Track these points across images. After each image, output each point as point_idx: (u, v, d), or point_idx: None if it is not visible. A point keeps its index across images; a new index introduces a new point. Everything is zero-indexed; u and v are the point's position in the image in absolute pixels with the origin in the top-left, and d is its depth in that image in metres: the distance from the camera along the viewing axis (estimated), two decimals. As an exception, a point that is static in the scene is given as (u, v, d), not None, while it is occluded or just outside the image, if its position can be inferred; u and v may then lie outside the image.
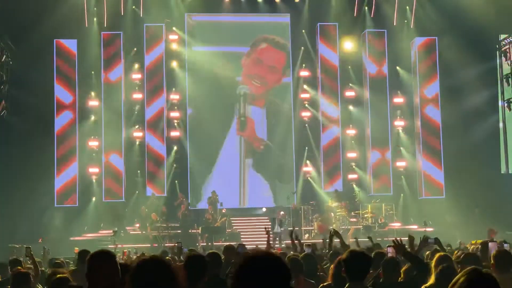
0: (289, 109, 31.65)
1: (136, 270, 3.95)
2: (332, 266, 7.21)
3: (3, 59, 26.65)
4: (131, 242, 24.52)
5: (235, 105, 31.41)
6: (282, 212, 28.44)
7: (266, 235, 12.12)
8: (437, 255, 6.93)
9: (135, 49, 30.50)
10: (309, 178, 30.96)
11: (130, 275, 3.88)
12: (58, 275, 6.80)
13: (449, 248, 12.56)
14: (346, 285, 5.96)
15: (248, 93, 31.37)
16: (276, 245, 22.24)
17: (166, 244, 24.37)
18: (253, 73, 31.67)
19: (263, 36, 32.00)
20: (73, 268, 9.85)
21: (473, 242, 8.93)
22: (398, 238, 7.94)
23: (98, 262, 4.83)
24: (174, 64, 30.90)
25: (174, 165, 30.31)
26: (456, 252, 9.30)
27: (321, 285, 7.07)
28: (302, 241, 12.49)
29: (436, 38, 31.21)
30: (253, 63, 31.74)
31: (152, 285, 3.90)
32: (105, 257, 4.89)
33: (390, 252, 8.46)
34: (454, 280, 3.57)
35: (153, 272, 3.93)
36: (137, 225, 28.31)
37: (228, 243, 13.36)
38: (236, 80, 31.47)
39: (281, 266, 3.20)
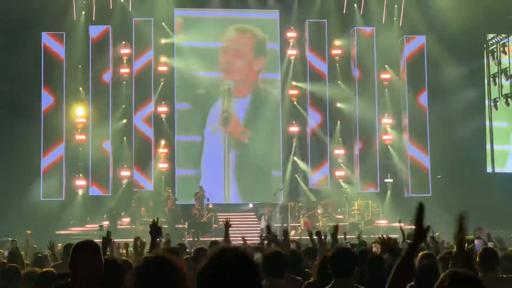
0: (276, 102, 31.67)
1: (141, 269, 3.65)
2: (316, 263, 7.21)
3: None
4: (119, 236, 24.45)
5: (219, 100, 31.35)
6: (268, 208, 28.44)
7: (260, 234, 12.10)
8: (421, 253, 6.96)
9: (123, 42, 30.41)
10: (296, 175, 30.98)
11: (134, 274, 3.61)
12: (43, 270, 6.76)
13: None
14: (332, 282, 5.98)
15: (232, 88, 31.30)
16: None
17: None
18: (229, 66, 31.61)
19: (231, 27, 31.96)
20: (59, 262, 9.83)
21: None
22: (384, 236, 7.97)
23: (82, 253, 4.80)
24: (163, 59, 30.83)
25: (161, 159, 30.27)
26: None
27: (306, 282, 7.07)
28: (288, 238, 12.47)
29: (424, 36, 31.28)
30: (225, 55, 31.68)
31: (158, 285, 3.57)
32: (89, 248, 4.87)
33: (376, 249, 8.49)
34: (438, 282, 3.59)
35: (160, 272, 3.60)
36: (127, 219, 28.27)
37: (214, 239, 13.38)
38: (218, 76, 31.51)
39: (249, 262, 3.11)
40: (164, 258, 3.65)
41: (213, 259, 3.10)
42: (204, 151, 30.99)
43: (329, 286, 5.99)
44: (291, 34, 31.62)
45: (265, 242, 9.65)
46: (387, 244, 6.54)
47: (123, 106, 30.18)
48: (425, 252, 7.08)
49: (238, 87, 31.42)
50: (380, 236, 8.08)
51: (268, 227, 9.70)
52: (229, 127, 31.25)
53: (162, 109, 30.50)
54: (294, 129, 31.22)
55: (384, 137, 31.19)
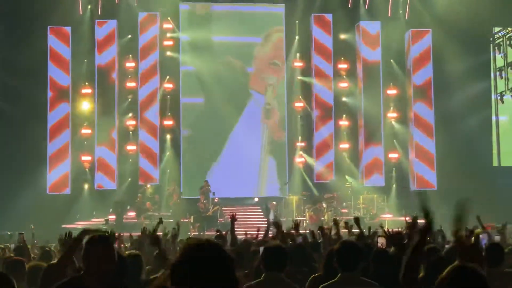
0: (282, 97, 31.71)
1: (184, 255, 3.10)
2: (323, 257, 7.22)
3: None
4: (125, 230, 24.47)
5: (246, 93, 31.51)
6: (274, 202, 28.47)
7: (266, 226, 12.16)
8: (426, 247, 6.94)
9: (129, 36, 30.41)
10: (301, 168, 30.97)
11: (175, 260, 3.11)
12: (49, 263, 6.78)
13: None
14: (338, 276, 6.00)
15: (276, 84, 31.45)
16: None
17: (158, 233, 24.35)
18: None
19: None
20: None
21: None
22: (389, 229, 7.97)
23: (95, 246, 4.83)
24: (168, 53, 30.83)
25: (167, 153, 30.30)
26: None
27: (312, 276, 7.09)
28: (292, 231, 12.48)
29: (430, 30, 31.21)
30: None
31: (207, 273, 3.02)
32: (102, 241, 4.90)
33: (381, 242, 8.48)
34: (442, 275, 3.60)
35: (206, 258, 3.07)
36: (132, 213, 28.34)
37: (218, 233, 13.40)
38: (241, 69, 31.45)
39: (223, 256, 3.07)
40: (214, 244, 3.15)
41: (187, 252, 3.07)
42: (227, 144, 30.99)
43: (335, 279, 6.02)
44: (296, 28, 31.60)
45: (270, 235, 9.71)
46: (392, 237, 6.52)
47: (129, 99, 30.19)
48: (430, 246, 7.07)
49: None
50: (385, 229, 8.08)
51: (277, 224, 9.71)
52: (271, 120, 31.31)
53: (168, 103, 30.50)
54: (300, 123, 31.24)
55: (389, 131, 31.14)
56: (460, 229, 4.52)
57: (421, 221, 4.35)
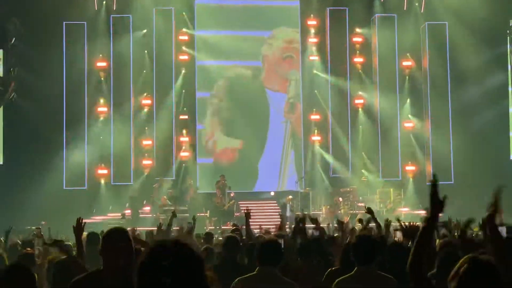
0: (297, 91, 31.70)
1: (149, 255, 3.02)
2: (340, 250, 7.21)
3: (12, 42, 26.67)
4: (141, 225, 24.58)
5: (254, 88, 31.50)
6: (290, 197, 28.47)
7: (280, 219, 12.19)
8: (440, 241, 6.91)
9: (144, 31, 30.44)
10: (318, 162, 30.93)
11: (140, 261, 3.03)
12: (60, 258, 6.82)
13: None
14: (355, 269, 5.99)
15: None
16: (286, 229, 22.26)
17: (174, 228, 24.42)
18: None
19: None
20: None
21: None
22: (404, 223, 7.95)
23: (114, 240, 4.83)
24: (184, 48, 30.86)
25: (183, 147, 30.34)
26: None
27: (330, 269, 7.10)
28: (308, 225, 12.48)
29: (446, 23, 31.04)
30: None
31: (168, 276, 2.95)
32: (120, 235, 4.89)
33: (398, 236, 8.47)
34: (455, 268, 3.57)
35: (172, 259, 2.98)
36: (148, 208, 28.42)
37: (235, 227, 13.42)
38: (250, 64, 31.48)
39: (190, 256, 2.98)
40: (177, 241, 3.07)
41: (152, 252, 3.00)
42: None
43: (352, 273, 6.01)
44: (312, 22, 31.52)
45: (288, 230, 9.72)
46: (409, 231, 6.52)
47: (144, 94, 30.25)
48: (445, 240, 7.03)
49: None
50: (402, 223, 8.06)
51: (297, 219, 9.70)
52: (294, 115, 31.41)
53: (184, 98, 30.59)
54: (315, 117, 31.16)
55: (406, 124, 31.03)
56: (495, 214, 4.46)
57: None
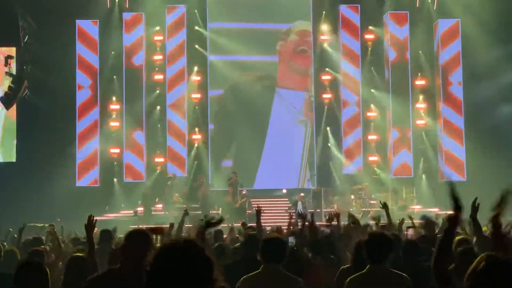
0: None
1: (158, 256, 3.01)
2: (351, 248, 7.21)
3: (25, 40, 26.75)
4: (153, 222, 24.63)
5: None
6: (302, 194, 28.44)
7: (289, 218, 12.21)
8: (456, 238, 6.89)
9: (157, 27, 30.48)
10: (329, 160, 30.87)
11: (150, 262, 3.02)
12: (75, 254, 6.88)
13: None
14: (367, 267, 5.97)
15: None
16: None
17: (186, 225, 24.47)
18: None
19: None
20: (96, 247, 9.91)
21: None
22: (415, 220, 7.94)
23: (135, 240, 4.89)
24: (196, 46, 30.86)
25: (195, 145, 30.36)
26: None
27: (342, 268, 7.09)
28: (321, 223, 12.53)
29: (459, 19, 30.90)
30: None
31: (177, 277, 2.93)
32: (141, 235, 4.95)
33: (410, 234, 8.47)
34: (472, 266, 3.55)
35: (181, 260, 2.96)
36: (160, 205, 28.48)
37: (246, 225, 13.44)
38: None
39: (200, 255, 2.99)
40: (188, 242, 3.07)
41: (162, 253, 3.00)
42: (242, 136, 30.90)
43: (364, 271, 5.98)
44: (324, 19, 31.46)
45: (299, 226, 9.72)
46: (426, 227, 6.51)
47: (157, 91, 30.28)
48: (461, 237, 7.01)
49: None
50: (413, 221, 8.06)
51: (303, 215, 9.72)
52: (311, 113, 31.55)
53: (196, 95, 30.58)
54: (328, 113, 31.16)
55: (418, 121, 30.92)
56: (500, 214, 4.46)
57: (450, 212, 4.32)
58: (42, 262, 6.41)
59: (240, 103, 30.78)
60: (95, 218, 6.81)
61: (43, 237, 12.97)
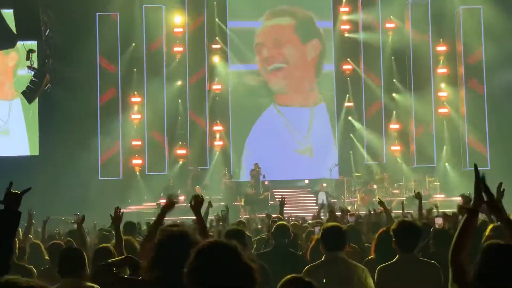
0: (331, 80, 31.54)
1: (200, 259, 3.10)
2: (374, 239, 7.17)
3: (46, 34, 26.82)
4: (176, 215, 24.63)
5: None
6: (324, 184, 28.38)
7: (318, 208, 12.23)
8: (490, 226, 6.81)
9: (177, 16, 30.45)
10: (350, 151, 30.77)
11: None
12: (102, 245, 6.90)
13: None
14: (397, 257, 5.93)
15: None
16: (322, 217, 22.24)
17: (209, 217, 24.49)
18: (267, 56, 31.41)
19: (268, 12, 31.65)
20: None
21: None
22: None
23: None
24: (217, 38, 30.82)
25: (217, 136, 30.36)
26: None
27: (366, 259, 7.07)
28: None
29: (481, 7, 30.61)
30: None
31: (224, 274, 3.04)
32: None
33: (438, 223, 8.41)
34: (479, 255, 3.54)
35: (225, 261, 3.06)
36: (182, 197, 28.52)
37: (270, 216, 13.39)
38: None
39: (237, 257, 3.05)
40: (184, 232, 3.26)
41: (199, 257, 3.05)
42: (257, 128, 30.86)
43: (394, 260, 5.94)
44: (344, 9, 31.27)
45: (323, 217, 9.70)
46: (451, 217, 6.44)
47: (178, 83, 30.29)
48: (493, 224, 6.92)
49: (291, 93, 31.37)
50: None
51: (330, 205, 9.70)
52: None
53: (217, 86, 30.58)
54: (349, 104, 31.00)
55: (440, 110, 30.71)
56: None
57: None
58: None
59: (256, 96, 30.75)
60: (121, 210, 6.83)
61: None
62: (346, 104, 30.98)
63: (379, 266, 6.04)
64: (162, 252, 3.86)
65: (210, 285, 2.99)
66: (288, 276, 3.48)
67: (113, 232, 7.68)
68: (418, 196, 10.05)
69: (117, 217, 6.73)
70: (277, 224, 8.16)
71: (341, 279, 5.91)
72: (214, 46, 30.71)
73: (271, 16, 31.53)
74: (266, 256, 7.36)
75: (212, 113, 30.62)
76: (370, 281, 6.02)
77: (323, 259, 6.20)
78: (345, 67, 31.04)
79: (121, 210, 6.79)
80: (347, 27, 31.15)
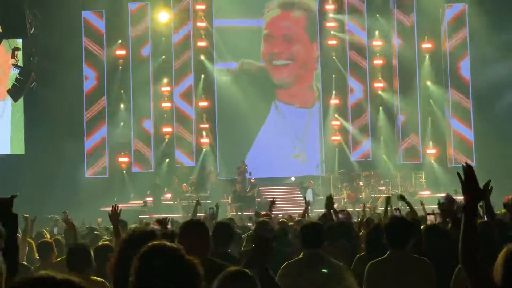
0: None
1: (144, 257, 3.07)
2: (364, 235, 7.19)
3: (32, 31, 26.68)
4: (163, 212, 24.65)
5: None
6: (311, 181, 28.42)
7: (305, 206, 12.28)
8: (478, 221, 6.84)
9: (164, 17, 30.38)
10: (336, 148, 30.81)
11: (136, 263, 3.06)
12: (101, 243, 6.99)
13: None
14: (388, 252, 5.94)
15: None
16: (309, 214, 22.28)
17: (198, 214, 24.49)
18: (272, 51, 31.37)
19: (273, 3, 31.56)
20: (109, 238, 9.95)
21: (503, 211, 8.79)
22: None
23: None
24: (203, 36, 30.75)
25: (204, 133, 30.30)
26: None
27: (357, 256, 7.09)
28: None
29: (466, 4, 30.73)
30: (267, 38, 31.47)
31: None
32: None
33: (430, 220, 8.45)
34: (498, 260, 3.52)
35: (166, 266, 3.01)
36: (169, 195, 28.50)
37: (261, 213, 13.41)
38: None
39: (185, 262, 3.02)
40: (169, 248, 3.10)
41: (145, 259, 3.03)
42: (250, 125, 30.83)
43: (385, 256, 5.95)
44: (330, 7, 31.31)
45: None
46: (446, 212, 6.47)
47: (165, 80, 30.24)
48: (481, 220, 6.97)
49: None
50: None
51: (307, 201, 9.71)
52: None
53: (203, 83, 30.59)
54: (335, 101, 31.05)
55: (426, 108, 30.81)
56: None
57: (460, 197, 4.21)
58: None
59: (246, 89, 30.67)
60: (119, 206, 6.86)
61: (55, 228, 12.98)
62: (332, 101, 31.01)
63: (369, 262, 6.05)
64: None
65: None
66: (232, 268, 3.44)
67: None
68: (402, 198, 10.14)
69: (114, 215, 6.74)
70: (259, 220, 8.20)
71: (320, 276, 5.92)
72: (199, 44, 30.63)
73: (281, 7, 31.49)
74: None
75: (198, 110, 30.55)
76: (351, 279, 6.04)
77: (301, 256, 6.23)
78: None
79: (119, 207, 6.81)
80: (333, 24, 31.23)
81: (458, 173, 3.80)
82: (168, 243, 3.13)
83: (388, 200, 10.51)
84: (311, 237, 6.19)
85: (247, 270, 3.35)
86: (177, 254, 3.04)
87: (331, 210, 9.39)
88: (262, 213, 11.07)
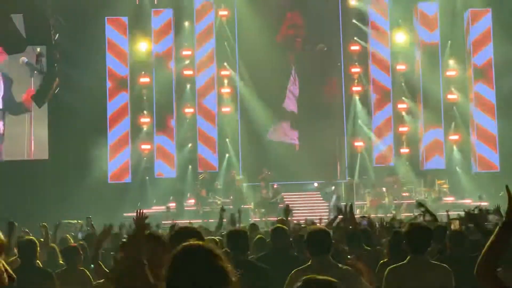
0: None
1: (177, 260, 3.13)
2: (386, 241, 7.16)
3: (55, 38, 26.94)
4: (185, 217, 24.71)
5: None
6: (333, 187, 28.34)
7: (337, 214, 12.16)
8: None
9: (186, 22, 30.50)
10: (359, 153, 30.68)
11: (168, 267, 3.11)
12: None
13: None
14: (408, 258, 5.92)
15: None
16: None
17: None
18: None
19: None
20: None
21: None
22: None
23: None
24: (225, 43, 30.73)
25: (227, 140, 30.30)
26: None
27: (381, 262, 7.07)
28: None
29: (490, 9, 30.53)
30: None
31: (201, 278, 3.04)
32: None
33: (453, 226, 8.42)
34: None
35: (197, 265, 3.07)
36: (192, 200, 28.57)
37: (280, 218, 13.39)
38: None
39: (214, 260, 3.07)
40: (202, 247, 3.14)
41: (176, 262, 3.08)
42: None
43: (405, 261, 5.94)
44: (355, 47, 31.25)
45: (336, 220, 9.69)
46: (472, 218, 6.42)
47: (188, 86, 30.30)
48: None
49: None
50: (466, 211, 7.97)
51: (339, 209, 9.68)
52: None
53: (226, 90, 30.55)
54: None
55: (449, 112, 30.60)
56: None
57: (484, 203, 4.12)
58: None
59: (268, 94, 30.61)
60: (144, 211, 6.71)
61: (80, 233, 13.05)
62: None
63: (389, 267, 6.05)
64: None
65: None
66: (309, 276, 3.36)
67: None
68: (420, 206, 10.08)
69: (140, 220, 6.59)
70: (274, 226, 8.18)
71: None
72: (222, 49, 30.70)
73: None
74: (264, 258, 7.38)
75: (221, 114, 30.60)
76: (364, 284, 6.01)
77: (309, 263, 6.19)
78: (353, 70, 31.04)
79: (144, 212, 6.65)
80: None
81: (507, 186, 3.67)
82: (203, 244, 3.16)
83: (420, 204, 10.36)
84: (318, 244, 6.16)
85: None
86: (210, 256, 3.08)
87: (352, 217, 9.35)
88: (277, 218, 11.09)
